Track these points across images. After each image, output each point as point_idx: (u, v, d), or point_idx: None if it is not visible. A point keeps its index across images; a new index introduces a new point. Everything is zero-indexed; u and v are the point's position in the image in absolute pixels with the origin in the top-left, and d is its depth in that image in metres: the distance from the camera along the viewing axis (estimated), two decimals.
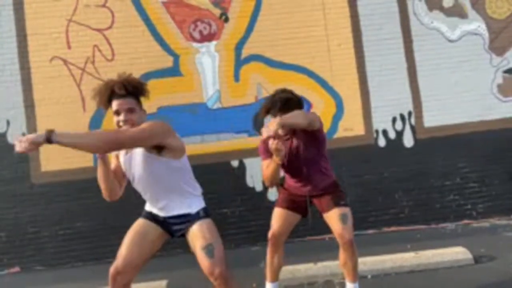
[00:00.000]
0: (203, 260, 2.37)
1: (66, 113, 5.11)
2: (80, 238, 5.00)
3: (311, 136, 2.95)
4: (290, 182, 3.15)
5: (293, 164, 3.01)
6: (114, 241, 5.00)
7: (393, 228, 5.24)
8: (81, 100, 5.15)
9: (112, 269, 2.44)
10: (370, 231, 5.21)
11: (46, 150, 5.03)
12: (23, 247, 4.95)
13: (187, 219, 2.54)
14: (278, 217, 3.09)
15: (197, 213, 2.56)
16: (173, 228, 2.58)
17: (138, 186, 2.54)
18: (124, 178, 2.61)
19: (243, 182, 5.21)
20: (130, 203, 4.90)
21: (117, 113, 2.39)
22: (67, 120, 5.08)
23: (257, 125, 2.86)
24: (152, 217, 2.61)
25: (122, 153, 2.55)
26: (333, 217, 2.92)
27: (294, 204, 3.10)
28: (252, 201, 5.18)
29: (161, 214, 2.57)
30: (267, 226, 5.06)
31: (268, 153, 2.97)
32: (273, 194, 5.15)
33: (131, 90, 2.41)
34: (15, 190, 4.99)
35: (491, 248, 4.16)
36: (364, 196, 5.26)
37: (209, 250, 2.38)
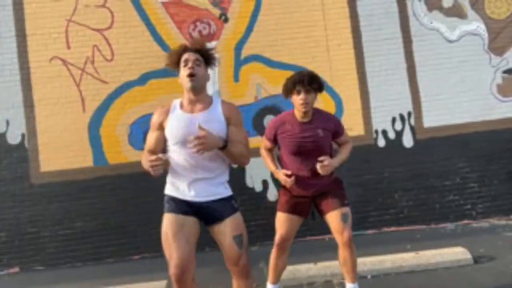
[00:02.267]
0: (233, 249, 2.45)
1: (66, 113, 5.11)
2: (80, 238, 5.00)
3: (330, 135, 3.08)
4: (295, 181, 3.06)
5: (302, 156, 2.99)
6: (114, 241, 5.05)
7: (393, 228, 5.25)
8: (81, 100, 5.14)
9: (174, 271, 2.32)
10: (370, 231, 5.22)
11: (46, 150, 5.04)
12: (23, 247, 4.95)
13: (223, 206, 2.52)
14: (283, 222, 3.05)
15: (232, 204, 2.57)
16: (206, 213, 2.51)
17: (189, 149, 2.41)
18: (162, 150, 2.58)
19: (243, 182, 5.21)
20: (130, 204, 4.94)
21: (186, 62, 2.51)
22: (66, 120, 5.09)
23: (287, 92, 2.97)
24: (178, 207, 2.50)
25: (175, 113, 2.54)
26: (335, 217, 2.95)
27: (296, 206, 3.07)
28: (252, 201, 5.18)
29: (193, 196, 2.50)
30: (267, 226, 5.09)
31: (272, 136, 3.14)
32: (272, 194, 5.16)
33: (202, 49, 2.59)
34: (15, 190, 4.99)
35: (491, 248, 4.17)
36: (364, 196, 5.27)
37: (240, 240, 2.45)
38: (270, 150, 3.28)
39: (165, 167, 2.41)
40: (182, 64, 2.52)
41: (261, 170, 5.21)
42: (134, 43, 5.20)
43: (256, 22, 5.35)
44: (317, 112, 3.09)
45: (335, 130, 3.09)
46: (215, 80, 5.28)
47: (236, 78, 5.31)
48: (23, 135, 5.05)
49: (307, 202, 3.09)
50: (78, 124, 5.10)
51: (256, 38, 5.33)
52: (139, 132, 5.08)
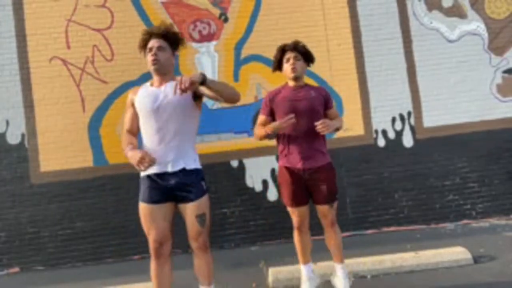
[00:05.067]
0: (194, 226, 2.68)
1: (66, 113, 5.11)
2: (80, 238, 5.00)
3: (322, 99, 3.26)
4: (286, 149, 3.22)
5: (296, 115, 3.09)
6: (114, 241, 5.05)
7: (392, 228, 5.25)
8: (81, 100, 5.14)
9: (153, 245, 2.67)
10: (370, 231, 5.22)
11: (46, 150, 5.05)
12: (23, 247, 4.95)
13: (192, 187, 2.68)
14: (293, 212, 3.28)
15: (202, 185, 2.74)
16: (177, 193, 2.69)
17: (157, 117, 2.68)
18: (139, 128, 2.85)
19: (242, 182, 5.21)
20: (130, 204, 4.94)
21: (150, 50, 2.77)
22: (66, 120, 5.09)
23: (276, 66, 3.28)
24: (151, 196, 2.69)
25: (144, 89, 2.80)
26: (323, 208, 3.22)
27: (298, 195, 3.22)
28: (252, 201, 5.18)
29: (164, 167, 2.67)
30: (267, 226, 5.11)
31: (267, 108, 3.28)
32: (272, 194, 5.16)
33: (164, 34, 2.81)
34: (15, 190, 4.99)
35: (491, 248, 4.17)
36: (364, 196, 5.27)
37: (202, 219, 2.68)
38: (264, 125, 3.29)
39: (150, 165, 2.57)
40: (147, 51, 2.79)
41: (261, 170, 5.22)
42: (134, 43, 5.13)
43: (256, 22, 5.35)
44: (308, 84, 3.36)
45: (326, 97, 3.28)
46: (215, 80, 5.27)
47: (236, 78, 5.31)
48: (23, 135, 5.05)
49: (303, 187, 3.21)
50: (78, 124, 5.10)
51: (256, 38, 5.33)
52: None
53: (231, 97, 2.71)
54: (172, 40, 2.85)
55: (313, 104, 3.18)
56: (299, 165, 3.17)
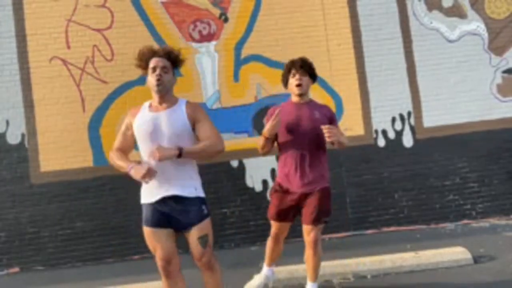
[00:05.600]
0: (197, 247, 2.68)
1: (66, 113, 5.11)
2: (80, 238, 5.00)
3: (324, 116, 3.18)
4: (286, 168, 3.18)
5: (297, 136, 3.10)
6: (114, 241, 5.06)
7: (392, 228, 5.25)
8: (81, 100, 5.14)
9: (161, 263, 2.65)
10: (370, 231, 5.22)
11: (46, 150, 5.05)
12: (23, 247, 4.95)
13: (193, 213, 2.66)
14: (275, 226, 3.32)
15: (202, 210, 2.70)
16: (181, 222, 2.66)
17: (154, 145, 2.63)
18: (131, 148, 2.87)
19: (242, 182, 5.21)
20: (130, 204, 4.94)
21: (154, 69, 2.71)
22: (66, 120, 5.09)
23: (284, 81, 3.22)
24: (153, 219, 2.68)
25: (142, 113, 2.74)
26: (307, 229, 3.15)
27: (284, 213, 3.22)
28: (252, 201, 5.19)
29: (164, 192, 2.65)
30: (267, 226, 5.07)
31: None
32: None
33: (167, 54, 2.78)
34: (15, 190, 4.99)
35: (491, 248, 4.17)
36: (364, 196, 5.27)
37: (204, 240, 2.68)
38: None
39: (153, 177, 2.58)
40: (150, 70, 2.72)
41: (261, 170, 5.22)
42: (134, 43, 5.19)
43: (256, 22, 5.35)
44: (313, 101, 3.30)
45: (330, 117, 3.21)
46: (215, 80, 5.28)
47: (236, 78, 5.31)
48: (23, 135, 5.05)
49: (293, 207, 3.19)
50: (78, 124, 5.10)
51: (256, 38, 5.33)
52: None
53: (213, 154, 2.73)
54: (173, 60, 2.81)
55: (316, 125, 3.08)
56: (298, 189, 3.12)
